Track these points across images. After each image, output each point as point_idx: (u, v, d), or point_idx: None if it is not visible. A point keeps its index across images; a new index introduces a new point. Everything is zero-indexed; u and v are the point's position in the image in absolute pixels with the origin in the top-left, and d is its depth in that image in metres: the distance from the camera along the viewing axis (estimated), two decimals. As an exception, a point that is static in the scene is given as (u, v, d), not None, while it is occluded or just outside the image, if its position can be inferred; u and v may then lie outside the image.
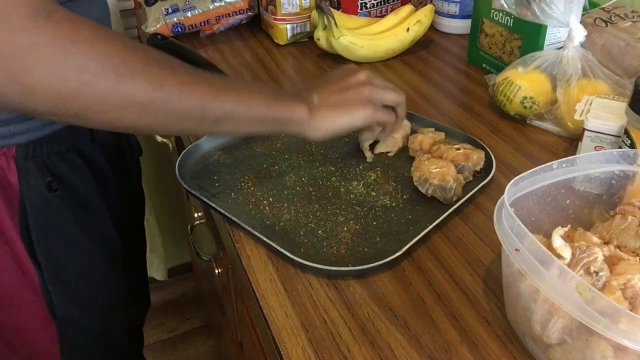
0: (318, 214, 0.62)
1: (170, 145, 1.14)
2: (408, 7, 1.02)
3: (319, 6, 0.96)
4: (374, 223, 0.61)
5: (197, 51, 0.99)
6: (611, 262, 0.44)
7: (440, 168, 0.63)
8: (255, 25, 1.13)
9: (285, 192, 0.66)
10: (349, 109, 0.63)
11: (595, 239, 0.47)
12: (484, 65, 0.94)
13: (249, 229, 0.59)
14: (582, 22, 0.75)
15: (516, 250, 0.42)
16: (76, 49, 0.45)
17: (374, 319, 0.50)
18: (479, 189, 0.64)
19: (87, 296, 0.76)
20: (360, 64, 0.98)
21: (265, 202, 0.64)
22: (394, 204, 0.63)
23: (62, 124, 0.65)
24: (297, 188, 0.66)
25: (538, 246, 0.40)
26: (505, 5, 0.78)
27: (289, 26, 1.04)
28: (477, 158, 0.67)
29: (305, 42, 1.07)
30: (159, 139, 1.13)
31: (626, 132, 0.57)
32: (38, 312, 0.72)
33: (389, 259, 0.54)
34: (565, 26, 0.74)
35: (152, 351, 1.59)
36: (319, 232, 0.60)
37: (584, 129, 0.63)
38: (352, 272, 0.54)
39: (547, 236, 0.49)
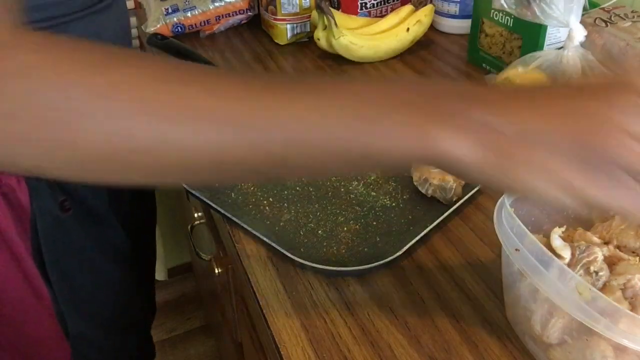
0: (318, 214, 0.62)
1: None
2: (408, 7, 1.02)
3: (319, 6, 0.96)
4: (374, 223, 0.61)
5: (197, 51, 0.99)
6: (611, 262, 0.44)
7: (440, 168, 0.63)
8: (255, 25, 1.13)
9: (285, 192, 0.66)
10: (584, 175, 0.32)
11: (596, 239, 0.47)
12: (484, 65, 0.94)
13: (249, 229, 0.59)
14: (582, 22, 0.74)
15: (516, 250, 0.42)
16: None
17: (374, 319, 0.50)
18: (479, 189, 0.64)
19: (101, 314, 0.74)
20: (360, 64, 0.98)
21: (265, 202, 0.64)
22: (394, 204, 0.63)
23: None
24: (297, 188, 0.66)
25: (538, 246, 0.40)
26: (505, 5, 0.78)
27: (289, 26, 1.04)
28: (477, 158, 0.67)
29: (305, 42, 1.07)
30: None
31: (626, 132, 0.57)
32: (51, 330, 0.70)
33: (389, 259, 0.54)
34: (565, 26, 0.74)
35: (152, 351, 1.59)
36: (319, 232, 0.60)
37: (584, 129, 0.63)
38: (352, 272, 0.54)
39: (547, 236, 0.49)
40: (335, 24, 0.94)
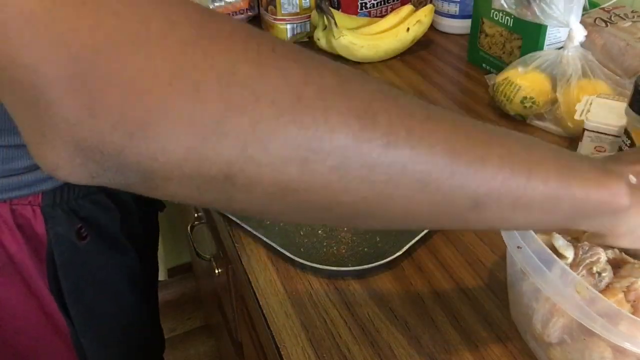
0: (318, 214, 0.62)
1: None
2: (408, 7, 1.02)
3: (319, 6, 0.96)
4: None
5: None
6: (616, 265, 0.44)
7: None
8: (255, 25, 1.13)
9: (285, 192, 0.66)
10: None
11: None
12: (484, 65, 0.94)
13: (249, 229, 0.59)
14: (582, 22, 0.74)
15: (518, 247, 0.42)
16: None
17: (374, 319, 0.50)
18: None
19: (121, 344, 0.73)
20: (360, 64, 0.98)
21: (265, 202, 0.64)
22: (394, 204, 0.63)
23: None
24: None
25: (540, 245, 0.40)
26: (505, 5, 0.78)
27: (289, 26, 1.04)
28: (477, 158, 0.66)
29: (305, 42, 1.07)
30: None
31: (626, 132, 0.57)
32: None
33: (389, 259, 0.54)
34: (565, 26, 0.74)
35: (152, 351, 1.59)
36: (319, 232, 0.60)
37: (584, 129, 0.63)
38: (352, 272, 0.54)
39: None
40: (335, 24, 0.94)
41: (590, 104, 0.65)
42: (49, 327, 0.65)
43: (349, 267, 0.55)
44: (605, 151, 0.62)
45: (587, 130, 0.62)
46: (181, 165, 0.25)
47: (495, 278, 0.54)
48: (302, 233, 0.59)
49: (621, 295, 0.41)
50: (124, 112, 0.23)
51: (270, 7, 1.05)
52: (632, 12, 0.85)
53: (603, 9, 0.86)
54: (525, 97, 0.76)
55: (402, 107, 0.29)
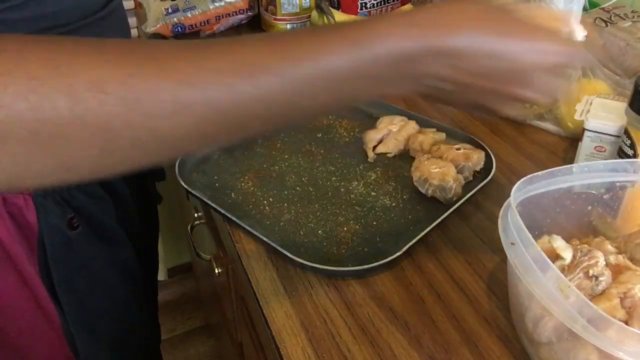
0: (318, 214, 0.62)
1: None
2: (408, 7, 1.02)
3: (319, 6, 0.96)
4: (374, 223, 0.61)
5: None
6: (617, 271, 0.44)
7: (440, 168, 0.63)
8: (255, 25, 1.13)
9: (285, 192, 0.66)
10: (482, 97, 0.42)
11: (610, 248, 0.47)
12: (484, 65, 0.94)
13: (249, 229, 0.59)
14: (582, 22, 0.74)
15: (512, 244, 0.42)
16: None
17: (374, 319, 0.50)
18: (479, 189, 0.64)
19: (112, 335, 0.73)
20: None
21: (265, 202, 0.64)
22: (394, 204, 0.63)
23: None
24: (297, 188, 0.66)
25: (531, 242, 0.41)
26: (505, 5, 0.78)
27: (289, 26, 1.04)
28: (477, 158, 0.67)
29: (305, 42, 1.07)
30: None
31: (626, 132, 0.57)
32: (61, 354, 0.69)
33: (389, 259, 0.54)
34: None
35: (152, 351, 1.59)
36: (319, 232, 0.60)
37: (584, 129, 0.63)
38: (352, 272, 0.54)
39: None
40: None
41: (590, 104, 0.65)
42: (41, 316, 0.66)
43: (349, 267, 0.55)
44: (605, 151, 0.62)
45: (587, 130, 0.62)
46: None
47: (495, 278, 0.54)
48: (302, 233, 0.59)
49: (617, 301, 0.41)
50: None
51: (270, 7, 1.05)
52: (632, 12, 0.85)
53: (603, 9, 0.86)
54: (525, 97, 0.75)
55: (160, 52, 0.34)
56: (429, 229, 0.58)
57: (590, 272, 0.42)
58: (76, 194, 0.62)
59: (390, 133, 0.73)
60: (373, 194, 0.65)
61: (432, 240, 0.59)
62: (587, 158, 0.63)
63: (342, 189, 0.66)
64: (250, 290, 0.54)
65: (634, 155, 0.56)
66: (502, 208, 0.47)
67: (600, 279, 0.42)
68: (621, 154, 0.58)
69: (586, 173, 0.50)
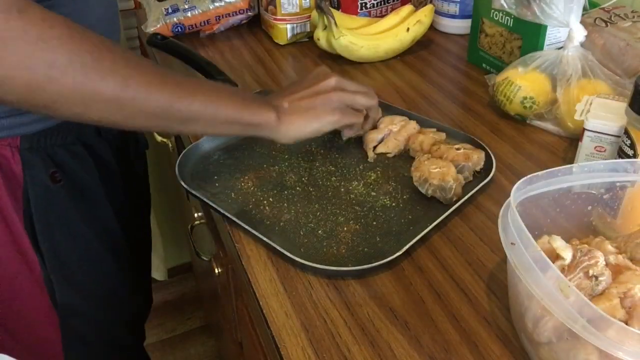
0: (318, 214, 0.62)
1: (170, 145, 1.14)
2: (408, 7, 1.02)
3: (319, 6, 0.96)
4: (374, 223, 0.61)
5: (197, 51, 0.99)
6: (617, 271, 0.43)
7: (440, 168, 0.63)
8: (255, 25, 1.13)
9: (285, 192, 0.66)
10: (317, 115, 0.64)
11: (610, 248, 0.46)
12: (484, 65, 0.94)
13: (249, 229, 0.59)
14: (582, 22, 0.74)
15: (512, 244, 0.42)
16: (46, 45, 0.47)
17: (374, 319, 0.50)
18: (479, 189, 0.64)
19: (88, 287, 0.77)
20: (360, 64, 0.98)
21: (265, 202, 0.64)
22: (394, 204, 0.63)
23: None
24: (297, 188, 0.66)
25: (531, 242, 0.41)
26: (505, 5, 0.78)
27: (289, 26, 1.04)
28: (477, 158, 0.67)
29: (305, 42, 1.07)
30: (159, 138, 1.13)
31: (626, 132, 0.57)
32: (40, 301, 0.73)
33: (389, 259, 0.54)
34: (565, 26, 0.74)
35: (152, 351, 1.58)
36: (319, 232, 0.60)
37: (584, 129, 0.63)
38: (352, 272, 0.54)
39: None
40: (335, 24, 0.94)
41: (590, 104, 0.65)
42: (23, 263, 0.70)
43: (349, 267, 0.55)
44: (605, 151, 0.62)
45: (587, 130, 0.62)
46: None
47: (495, 278, 0.54)
48: (302, 233, 0.59)
49: (617, 301, 0.41)
50: None
51: (270, 7, 1.05)
52: (632, 12, 0.85)
53: (603, 9, 0.86)
54: (525, 97, 0.76)
55: (149, 73, 0.54)
56: (429, 229, 0.58)
57: (590, 272, 0.42)
58: (60, 152, 0.68)
59: (391, 133, 0.73)
60: (373, 194, 0.65)
61: (432, 240, 0.59)
62: (587, 158, 0.63)
63: (342, 189, 0.66)
64: (250, 290, 0.54)
65: (634, 155, 0.56)
66: (502, 208, 0.47)
67: (600, 279, 0.42)
68: (621, 154, 0.58)
69: (586, 173, 0.50)
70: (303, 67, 0.99)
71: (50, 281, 0.71)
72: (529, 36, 0.82)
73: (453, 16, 1.06)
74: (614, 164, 0.50)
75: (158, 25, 1.04)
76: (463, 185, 0.64)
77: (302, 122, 0.64)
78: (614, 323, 0.35)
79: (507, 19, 0.85)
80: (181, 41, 0.97)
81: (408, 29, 0.98)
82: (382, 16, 1.06)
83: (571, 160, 0.67)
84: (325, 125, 0.65)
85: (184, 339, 1.65)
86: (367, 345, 0.48)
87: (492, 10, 0.87)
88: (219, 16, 1.08)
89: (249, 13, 1.11)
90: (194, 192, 0.65)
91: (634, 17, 0.83)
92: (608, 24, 0.82)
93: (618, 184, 0.51)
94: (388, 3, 1.09)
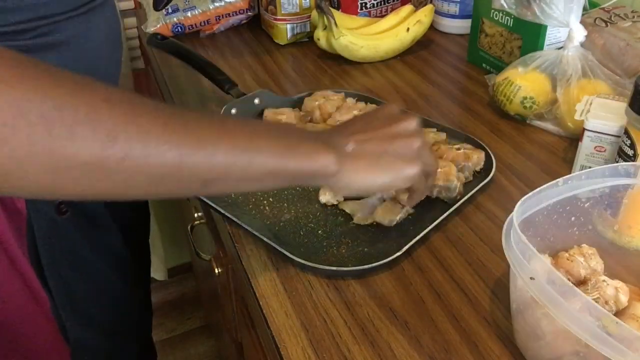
0: (318, 214, 0.62)
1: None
2: (408, 7, 1.02)
3: (319, 6, 0.96)
4: (374, 223, 0.61)
5: (197, 51, 0.99)
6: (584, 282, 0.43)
7: (442, 168, 0.63)
8: (255, 25, 1.13)
9: (285, 192, 0.66)
10: (392, 164, 0.49)
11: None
12: (484, 65, 0.94)
13: (249, 229, 0.59)
14: (582, 22, 0.74)
15: (531, 279, 0.39)
16: None
17: (374, 319, 0.50)
18: (479, 189, 0.64)
19: (99, 319, 0.75)
20: (360, 64, 0.98)
21: (265, 202, 0.64)
22: (394, 204, 0.63)
23: None
24: (297, 188, 0.66)
25: (557, 275, 0.38)
26: (505, 5, 0.78)
27: (289, 26, 1.04)
28: (477, 158, 0.67)
29: (305, 42, 1.07)
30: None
31: (626, 132, 0.57)
32: (50, 335, 0.71)
33: (389, 259, 0.54)
34: (565, 26, 0.74)
35: (152, 351, 1.59)
36: (319, 232, 0.60)
37: (584, 129, 0.63)
38: (352, 272, 0.54)
39: (553, 256, 0.48)
40: (335, 24, 0.94)
41: (590, 104, 0.65)
42: (30, 299, 0.68)
43: (349, 267, 0.54)
44: (605, 151, 0.62)
45: (587, 130, 0.62)
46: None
47: (495, 278, 0.54)
48: (302, 233, 0.59)
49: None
50: None
51: (270, 7, 1.05)
52: (632, 12, 0.85)
53: (603, 9, 0.86)
54: (525, 97, 0.76)
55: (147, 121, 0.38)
56: (429, 229, 0.58)
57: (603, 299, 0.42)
58: None
59: (390, 133, 0.72)
60: (373, 194, 0.65)
61: (432, 240, 0.59)
62: (587, 158, 0.63)
63: (342, 189, 0.66)
64: (250, 290, 0.54)
65: (634, 155, 0.56)
66: (503, 237, 0.44)
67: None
68: (621, 154, 0.58)
69: (569, 185, 0.48)
70: (303, 67, 0.99)
71: (60, 317, 0.69)
72: (529, 36, 0.82)
73: (453, 16, 1.06)
74: (612, 170, 0.50)
75: (158, 25, 1.04)
76: (463, 185, 0.64)
77: (371, 170, 0.49)
78: None
79: (507, 19, 0.85)
80: (181, 41, 0.97)
81: (408, 29, 0.98)
82: (382, 16, 1.05)
83: (571, 160, 0.67)
84: (402, 179, 0.50)
85: (183, 339, 1.65)
86: (367, 345, 0.48)
87: (492, 10, 0.87)
88: (219, 16, 1.08)
89: (249, 13, 1.11)
90: (194, 192, 0.65)
91: (634, 17, 0.83)
92: (608, 24, 0.82)
93: (619, 191, 0.51)
94: (388, 3, 1.09)
